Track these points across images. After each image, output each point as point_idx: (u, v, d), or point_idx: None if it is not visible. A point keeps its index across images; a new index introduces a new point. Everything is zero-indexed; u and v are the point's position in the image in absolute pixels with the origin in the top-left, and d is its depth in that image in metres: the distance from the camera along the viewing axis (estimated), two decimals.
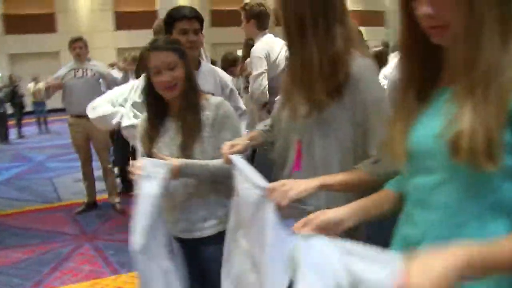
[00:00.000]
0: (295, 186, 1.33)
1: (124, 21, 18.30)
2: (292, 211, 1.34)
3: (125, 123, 3.23)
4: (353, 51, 1.48)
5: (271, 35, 3.45)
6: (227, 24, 17.07)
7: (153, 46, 1.80)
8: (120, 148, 5.42)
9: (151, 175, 1.71)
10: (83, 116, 4.85)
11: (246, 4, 3.53)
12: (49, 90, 5.00)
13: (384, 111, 1.46)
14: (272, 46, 3.36)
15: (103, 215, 4.99)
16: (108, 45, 17.36)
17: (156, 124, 1.88)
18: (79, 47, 4.89)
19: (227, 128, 1.88)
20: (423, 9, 0.96)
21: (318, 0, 1.44)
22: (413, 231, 1.01)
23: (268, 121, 1.82)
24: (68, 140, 5.46)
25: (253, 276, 1.67)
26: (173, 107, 1.87)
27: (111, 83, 4.85)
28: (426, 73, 1.03)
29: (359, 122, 1.48)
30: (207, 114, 1.86)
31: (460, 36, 0.93)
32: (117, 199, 5.13)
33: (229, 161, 1.58)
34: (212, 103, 1.90)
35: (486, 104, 0.87)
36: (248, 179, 1.46)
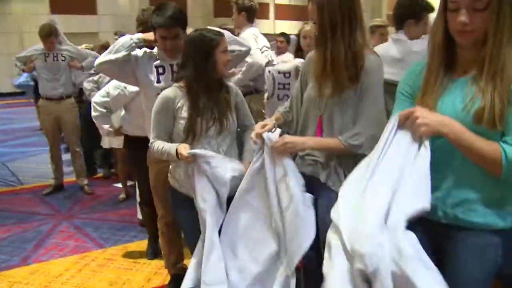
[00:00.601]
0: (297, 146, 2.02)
1: (60, 5, 17.71)
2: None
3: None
4: (366, 49, 1.93)
5: (257, 29, 3.82)
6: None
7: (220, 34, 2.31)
8: (87, 132, 5.51)
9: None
10: (53, 99, 5.00)
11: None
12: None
13: (376, 98, 1.94)
14: (257, 37, 3.74)
15: (72, 196, 5.10)
16: None
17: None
18: (49, 42, 4.91)
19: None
20: (462, 18, 1.42)
21: (346, 10, 1.90)
22: (436, 175, 1.45)
23: (287, 104, 2.23)
24: (13, 125, 5.49)
25: (256, 230, 2.09)
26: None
27: (90, 59, 5.00)
28: (445, 65, 1.48)
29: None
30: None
31: (479, 39, 1.43)
32: (85, 181, 5.26)
33: (260, 137, 2.00)
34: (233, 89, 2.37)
35: (502, 87, 1.33)
36: None
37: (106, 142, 4.97)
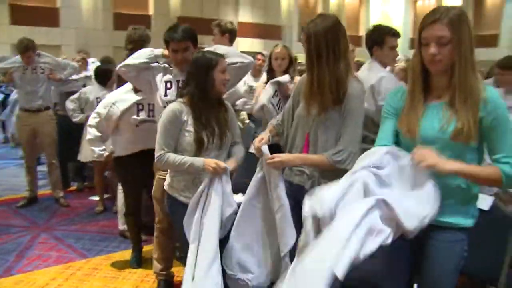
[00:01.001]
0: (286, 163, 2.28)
1: (22, 16, 17.39)
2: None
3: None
4: (350, 76, 2.22)
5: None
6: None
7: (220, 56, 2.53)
8: (59, 145, 5.53)
9: None
10: (31, 111, 5.03)
11: (220, 21, 4.08)
12: None
13: (358, 120, 2.22)
14: None
15: (47, 209, 5.11)
16: (4, 40, 16.41)
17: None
18: (27, 57, 4.95)
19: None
20: (431, 50, 1.71)
21: (330, 42, 2.17)
22: None
23: (279, 117, 2.47)
24: None
25: (265, 229, 2.36)
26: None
27: (69, 71, 5.09)
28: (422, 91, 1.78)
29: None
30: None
31: (448, 69, 1.72)
32: (61, 194, 5.28)
33: (260, 150, 2.23)
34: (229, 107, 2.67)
35: (472, 109, 1.62)
36: None
37: (83, 156, 5.02)
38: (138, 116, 3.41)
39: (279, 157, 2.25)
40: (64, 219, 4.81)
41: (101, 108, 3.49)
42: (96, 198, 5.37)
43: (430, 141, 1.74)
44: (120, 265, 3.71)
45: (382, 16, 27.60)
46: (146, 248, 3.88)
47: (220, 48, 2.82)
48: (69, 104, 4.91)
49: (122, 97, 3.44)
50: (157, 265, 3.26)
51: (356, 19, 27.63)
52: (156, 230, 3.21)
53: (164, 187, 2.67)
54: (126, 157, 3.52)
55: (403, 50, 23.66)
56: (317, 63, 2.19)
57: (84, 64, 6.15)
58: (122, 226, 4.25)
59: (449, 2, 24.72)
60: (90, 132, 3.58)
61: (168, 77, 2.98)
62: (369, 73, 3.18)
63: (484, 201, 2.48)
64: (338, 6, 25.52)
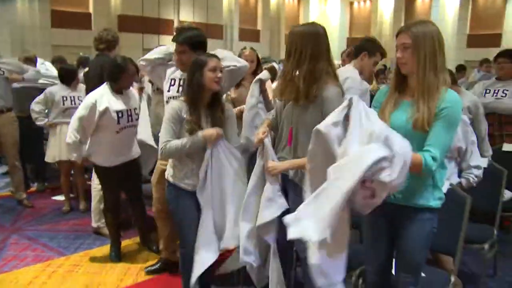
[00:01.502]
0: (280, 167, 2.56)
1: None
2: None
3: None
4: (330, 80, 2.48)
5: None
6: (68, 26, 16.81)
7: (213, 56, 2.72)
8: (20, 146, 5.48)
9: None
10: None
11: (182, 23, 4.29)
12: None
13: None
14: None
15: (10, 211, 5.04)
16: None
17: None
18: None
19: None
20: (398, 54, 2.07)
21: (311, 45, 2.44)
22: None
23: (273, 112, 2.72)
24: None
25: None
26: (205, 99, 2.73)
27: (30, 74, 5.08)
28: (400, 90, 2.11)
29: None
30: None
31: (412, 71, 2.06)
32: (24, 195, 5.24)
33: (261, 142, 2.48)
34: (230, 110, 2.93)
35: (428, 104, 1.97)
36: (270, 153, 2.58)
37: (51, 156, 5.01)
38: (118, 123, 3.55)
39: (271, 164, 2.56)
40: (32, 219, 4.79)
41: (82, 110, 3.53)
42: (60, 198, 5.40)
43: (397, 130, 1.99)
44: (100, 261, 3.82)
45: (321, 16, 28.48)
46: (124, 243, 4.01)
47: (219, 52, 3.02)
48: (35, 107, 4.91)
49: (103, 98, 3.54)
50: (162, 245, 3.59)
51: (296, 18, 28.30)
52: (158, 218, 3.52)
53: (166, 178, 2.86)
54: (108, 167, 3.69)
55: (340, 49, 24.69)
56: (297, 64, 2.46)
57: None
58: (96, 223, 4.34)
59: (382, 6, 25.97)
60: (71, 136, 3.53)
61: (174, 74, 3.24)
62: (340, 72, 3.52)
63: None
64: (278, 6, 26.03)
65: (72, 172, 5.25)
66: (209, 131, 2.66)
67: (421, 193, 2.13)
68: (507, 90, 4.65)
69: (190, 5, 21.33)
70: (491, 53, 18.74)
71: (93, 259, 3.85)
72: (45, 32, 16.63)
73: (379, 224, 2.28)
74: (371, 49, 3.63)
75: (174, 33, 3.29)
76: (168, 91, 3.27)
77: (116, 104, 3.54)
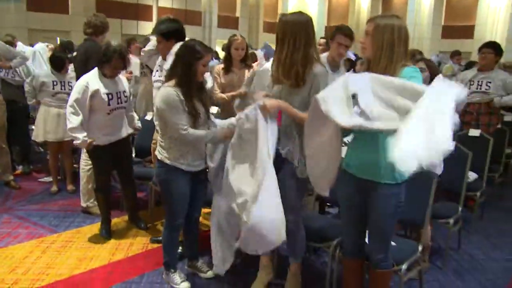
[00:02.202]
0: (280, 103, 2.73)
1: None
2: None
3: None
4: (316, 62, 2.73)
5: None
6: (45, 10, 16.64)
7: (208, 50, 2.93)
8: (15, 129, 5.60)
9: None
10: None
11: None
12: None
13: None
14: None
15: None
16: None
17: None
18: None
19: None
20: (360, 40, 2.31)
21: (304, 32, 2.68)
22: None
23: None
24: None
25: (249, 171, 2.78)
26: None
27: (19, 60, 5.22)
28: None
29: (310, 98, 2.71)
30: None
31: (369, 57, 2.34)
32: (11, 177, 5.35)
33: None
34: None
35: None
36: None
37: (40, 135, 5.13)
38: (109, 105, 3.77)
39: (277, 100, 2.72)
40: (21, 200, 4.93)
41: (75, 94, 3.69)
42: (46, 179, 5.55)
43: None
44: (91, 237, 4.01)
45: (299, 5, 28.64)
46: (113, 221, 4.21)
47: None
48: (26, 86, 5.17)
49: (94, 81, 3.73)
50: None
51: (274, 6, 28.41)
52: None
53: (159, 159, 3.05)
54: (99, 146, 3.84)
55: (318, 37, 24.89)
56: (292, 48, 2.69)
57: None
58: (85, 203, 4.52)
59: None
60: (71, 120, 3.67)
61: (159, 62, 3.67)
62: None
63: None
64: None
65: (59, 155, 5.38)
66: (226, 132, 2.93)
67: (387, 169, 2.33)
68: (490, 82, 5.01)
69: None
70: (465, 44, 19.30)
71: (85, 236, 4.03)
72: (20, 16, 16.42)
73: (353, 198, 2.53)
74: (331, 35, 3.89)
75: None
76: (154, 75, 3.79)
77: (106, 87, 3.76)
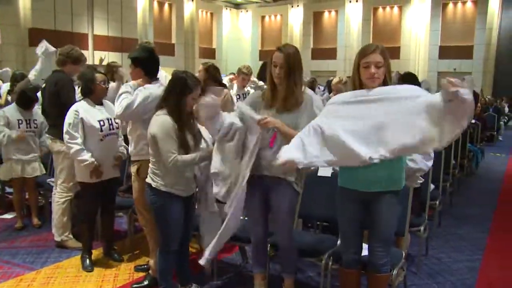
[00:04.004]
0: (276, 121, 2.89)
1: None
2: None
3: None
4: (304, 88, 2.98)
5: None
6: None
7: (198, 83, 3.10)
8: None
9: None
10: None
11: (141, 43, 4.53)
12: None
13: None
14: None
15: None
16: None
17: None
18: None
19: None
20: (372, 71, 2.57)
21: (297, 65, 2.93)
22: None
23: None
24: None
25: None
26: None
27: None
28: None
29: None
30: None
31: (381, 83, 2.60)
32: None
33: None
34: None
35: None
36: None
37: (2, 175, 4.99)
38: (101, 131, 3.82)
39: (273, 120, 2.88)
40: None
41: (67, 120, 3.80)
42: (8, 216, 5.38)
43: None
44: (73, 271, 3.94)
45: (233, 29, 29.31)
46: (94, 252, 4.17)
47: None
48: None
49: (83, 108, 3.84)
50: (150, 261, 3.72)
51: (209, 32, 28.86)
52: (148, 229, 3.68)
53: (155, 187, 3.12)
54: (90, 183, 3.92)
55: (253, 61, 25.63)
56: (288, 78, 2.92)
57: None
58: (59, 237, 4.43)
59: (291, 19, 27.29)
60: (72, 146, 3.77)
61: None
62: None
63: None
64: (191, 20, 26.42)
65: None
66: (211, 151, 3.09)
67: (389, 179, 2.65)
68: None
69: (104, 19, 21.04)
70: (393, 64, 20.60)
71: (66, 271, 3.96)
72: None
73: (355, 213, 2.76)
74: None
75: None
76: None
77: (97, 113, 3.85)
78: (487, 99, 16.92)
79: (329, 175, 3.51)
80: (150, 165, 3.19)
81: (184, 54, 26.49)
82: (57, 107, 4.29)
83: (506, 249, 4.63)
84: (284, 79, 2.93)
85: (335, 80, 6.09)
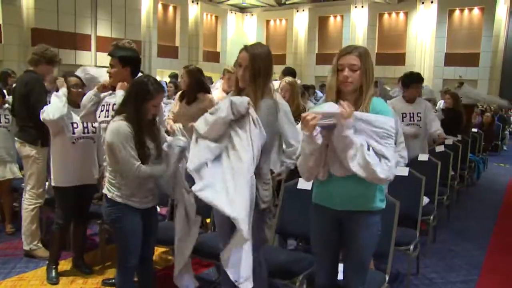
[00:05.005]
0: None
1: None
2: None
3: None
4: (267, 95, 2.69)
5: None
6: None
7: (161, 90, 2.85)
8: None
9: None
10: None
11: (118, 41, 4.23)
12: None
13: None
14: None
15: None
16: None
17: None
18: None
19: None
20: (344, 74, 2.29)
21: (265, 67, 2.65)
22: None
23: None
24: None
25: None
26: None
27: None
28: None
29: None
30: None
31: (356, 89, 2.31)
32: None
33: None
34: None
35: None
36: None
37: None
38: (73, 133, 3.63)
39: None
40: None
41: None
42: None
43: None
44: (36, 284, 3.69)
45: (238, 33, 29.11)
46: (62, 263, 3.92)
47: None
48: None
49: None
50: None
51: (214, 35, 28.66)
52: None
53: (110, 198, 2.86)
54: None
55: None
56: (254, 81, 2.64)
57: None
58: (27, 246, 4.17)
59: (296, 24, 27.09)
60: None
61: (104, 100, 3.50)
62: None
63: None
64: (196, 23, 26.23)
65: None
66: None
67: (365, 196, 2.35)
68: (420, 113, 5.15)
69: (108, 20, 20.90)
70: (398, 70, 20.39)
71: (28, 283, 3.71)
72: None
73: (329, 233, 2.48)
74: None
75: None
76: (99, 116, 3.52)
77: (70, 115, 3.66)
78: (492, 107, 16.56)
79: (309, 188, 3.23)
80: (106, 174, 2.94)
81: (188, 57, 26.27)
82: (26, 109, 4.06)
83: (504, 269, 4.33)
84: (250, 83, 2.66)
85: None
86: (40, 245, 4.19)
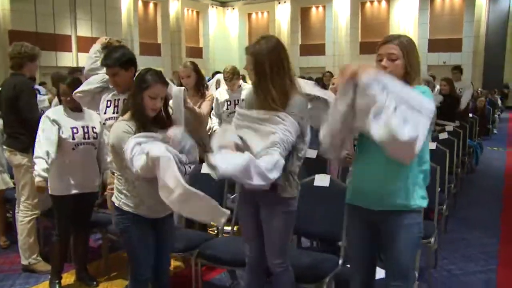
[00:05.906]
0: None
1: None
2: None
3: None
4: (294, 92, 2.49)
5: None
6: None
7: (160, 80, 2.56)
8: None
9: None
10: None
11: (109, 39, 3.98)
12: None
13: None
14: None
15: None
16: None
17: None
18: None
19: None
20: (383, 64, 2.12)
21: (277, 62, 2.44)
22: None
23: None
24: None
25: None
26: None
27: None
28: None
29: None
30: None
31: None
32: None
33: None
34: None
35: None
36: None
37: None
38: (73, 139, 3.41)
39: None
40: None
41: (40, 126, 3.41)
42: None
43: None
44: None
45: (220, 28, 28.81)
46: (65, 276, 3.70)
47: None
48: None
49: (56, 114, 3.45)
50: None
51: (196, 31, 28.32)
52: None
53: (117, 206, 2.65)
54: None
55: (241, 59, 25.16)
56: (265, 79, 2.43)
57: None
58: (26, 260, 3.94)
59: (278, 16, 26.90)
60: (36, 149, 3.36)
61: (108, 96, 3.15)
62: None
63: None
64: (177, 19, 25.89)
65: None
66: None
67: (403, 192, 2.15)
68: None
69: (88, 20, 20.47)
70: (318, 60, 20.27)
71: None
72: None
73: (365, 236, 2.31)
74: None
75: (103, 53, 3.29)
76: (105, 113, 3.21)
77: (70, 120, 3.45)
78: (479, 91, 16.62)
79: (327, 184, 3.08)
80: (115, 180, 2.73)
81: (170, 54, 25.92)
82: (14, 113, 3.82)
83: None
84: (258, 85, 2.49)
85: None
86: (39, 258, 3.97)
